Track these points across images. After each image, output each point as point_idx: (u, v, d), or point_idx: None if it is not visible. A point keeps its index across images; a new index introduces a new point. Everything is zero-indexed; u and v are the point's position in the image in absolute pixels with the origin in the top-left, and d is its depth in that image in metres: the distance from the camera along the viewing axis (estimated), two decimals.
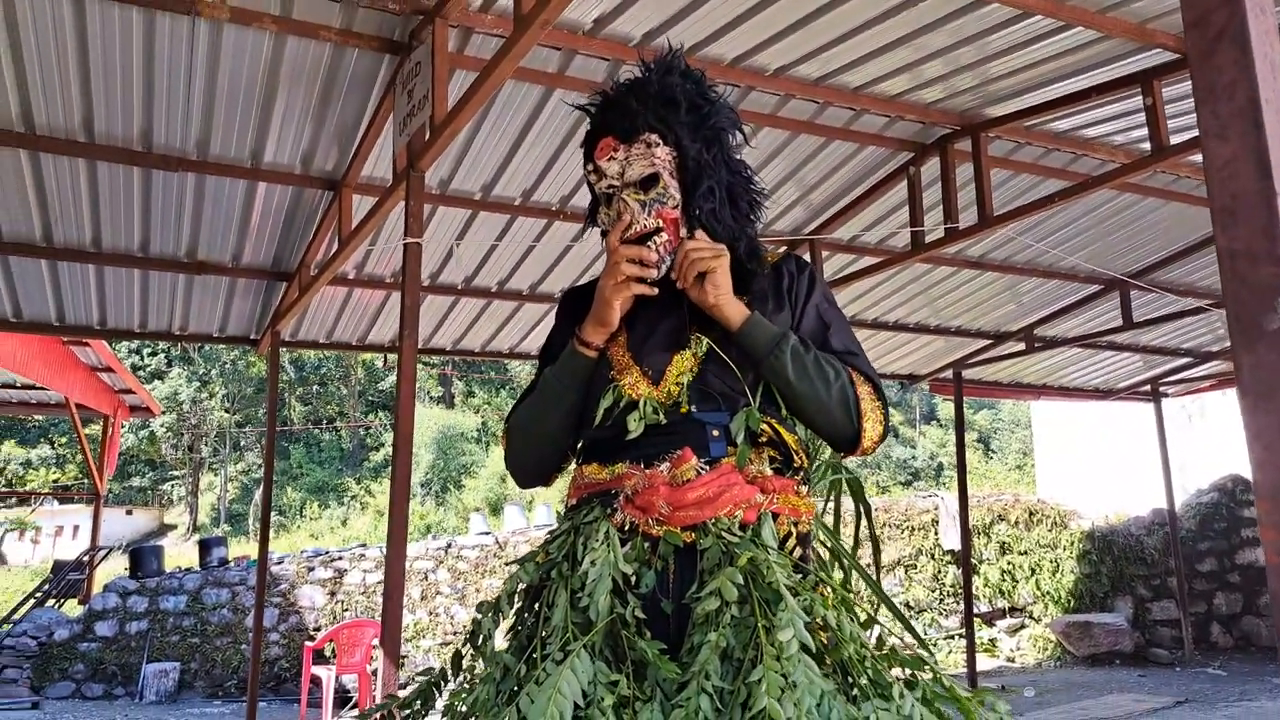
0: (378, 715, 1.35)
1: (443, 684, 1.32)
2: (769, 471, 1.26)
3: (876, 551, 3.30)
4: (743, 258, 1.35)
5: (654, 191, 1.31)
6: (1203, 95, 0.95)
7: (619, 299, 1.30)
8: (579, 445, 1.39)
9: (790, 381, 1.27)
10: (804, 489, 1.31)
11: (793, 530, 1.25)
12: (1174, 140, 3.71)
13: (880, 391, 1.34)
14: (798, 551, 1.24)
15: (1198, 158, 3.98)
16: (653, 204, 1.30)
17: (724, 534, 1.17)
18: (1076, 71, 3.78)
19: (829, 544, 2.99)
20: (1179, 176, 4.83)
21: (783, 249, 1.49)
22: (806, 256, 5.02)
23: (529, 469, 1.46)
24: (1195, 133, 3.88)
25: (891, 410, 1.35)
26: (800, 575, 1.18)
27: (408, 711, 1.32)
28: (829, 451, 3.44)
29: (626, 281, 1.29)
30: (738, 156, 1.42)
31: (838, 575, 3.03)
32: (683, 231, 1.33)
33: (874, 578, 3.12)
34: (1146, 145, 3.87)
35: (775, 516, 1.23)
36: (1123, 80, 3.75)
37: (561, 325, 1.47)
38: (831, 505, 3.24)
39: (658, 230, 1.30)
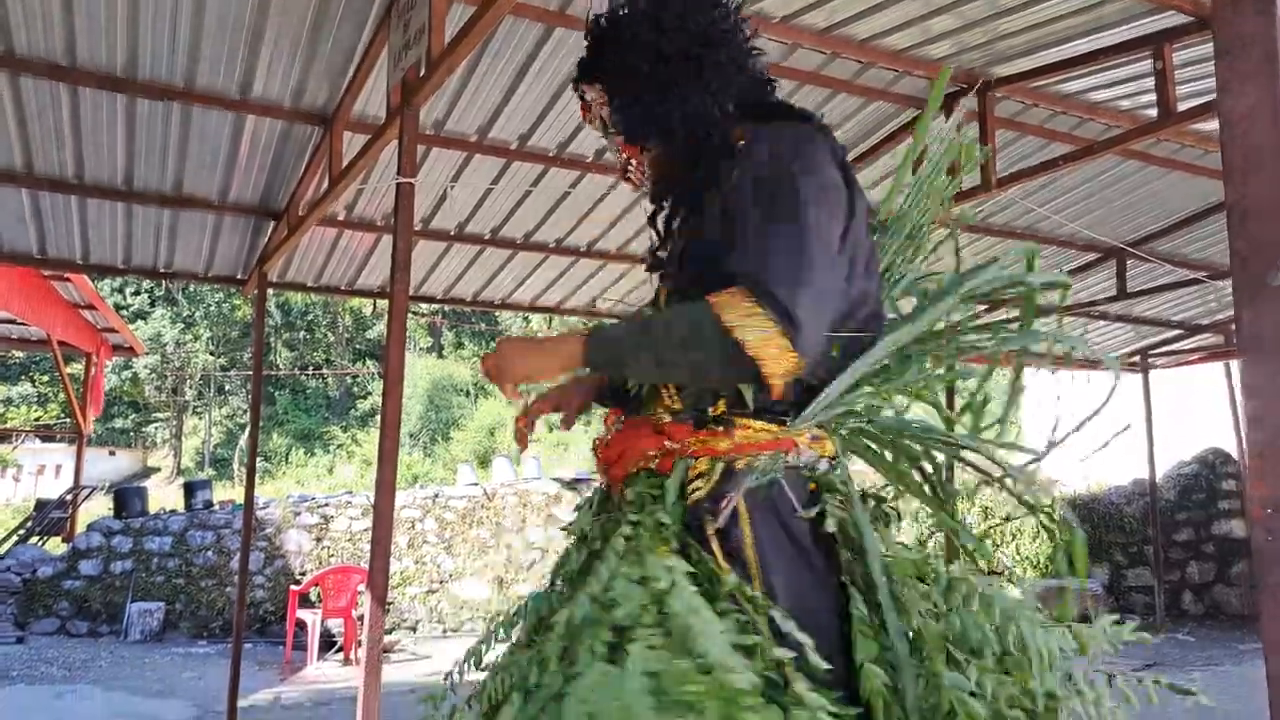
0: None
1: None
2: (677, 420, 1.23)
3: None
4: (685, 147, 1.31)
5: (609, 129, 1.39)
6: (1224, 48, 0.92)
7: (528, 435, 1.42)
8: None
9: (656, 378, 1.25)
10: (750, 423, 1.19)
11: (712, 469, 1.18)
12: (1181, 107, 3.66)
13: (783, 310, 1.08)
14: (700, 491, 1.17)
15: (1204, 125, 3.92)
16: (613, 139, 1.40)
17: (642, 488, 1.21)
18: (1087, 32, 3.70)
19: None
20: (1183, 145, 4.77)
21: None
22: None
23: None
24: (1203, 99, 3.83)
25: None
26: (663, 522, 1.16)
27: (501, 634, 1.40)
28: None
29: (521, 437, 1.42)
30: (693, 28, 1.25)
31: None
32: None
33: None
34: (1153, 111, 3.82)
35: (697, 460, 1.19)
36: (1134, 42, 3.68)
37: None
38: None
39: (629, 160, 1.40)
